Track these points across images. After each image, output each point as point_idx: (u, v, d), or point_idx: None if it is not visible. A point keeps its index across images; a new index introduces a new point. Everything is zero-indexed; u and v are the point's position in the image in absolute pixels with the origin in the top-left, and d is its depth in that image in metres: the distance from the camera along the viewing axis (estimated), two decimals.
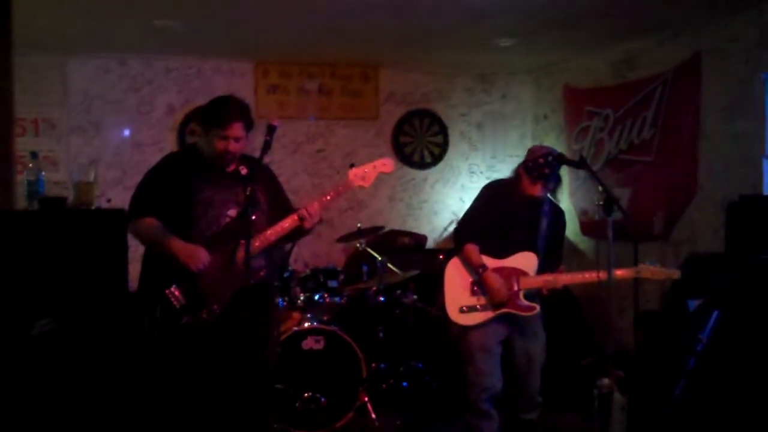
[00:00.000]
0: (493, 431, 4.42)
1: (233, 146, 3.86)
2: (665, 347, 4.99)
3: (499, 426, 4.46)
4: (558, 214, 4.57)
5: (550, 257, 4.44)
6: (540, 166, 4.26)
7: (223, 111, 3.86)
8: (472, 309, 4.35)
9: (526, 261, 4.37)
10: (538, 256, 4.37)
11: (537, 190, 4.33)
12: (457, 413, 4.96)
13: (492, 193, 4.56)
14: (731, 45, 5.63)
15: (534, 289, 4.34)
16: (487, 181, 4.91)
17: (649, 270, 4.23)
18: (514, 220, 4.39)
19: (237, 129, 3.84)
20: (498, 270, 4.34)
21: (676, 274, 4.26)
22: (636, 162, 6.57)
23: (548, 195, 4.45)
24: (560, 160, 4.25)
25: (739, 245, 4.90)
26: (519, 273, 4.35)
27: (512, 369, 4.46)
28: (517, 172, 4.44)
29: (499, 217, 4.41)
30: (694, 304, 4.72)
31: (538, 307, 4.33)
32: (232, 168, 3.97)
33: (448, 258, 4.61)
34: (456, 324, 4.39)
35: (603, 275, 4.22)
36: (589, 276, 4.29)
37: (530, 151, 4.42)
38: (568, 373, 5.90)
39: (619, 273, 4.10)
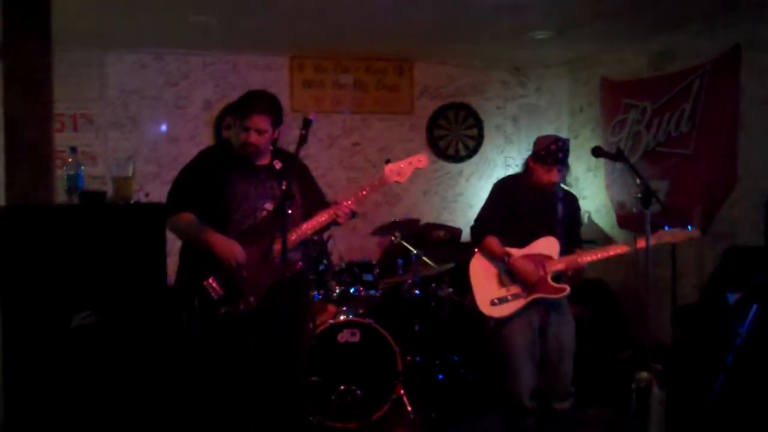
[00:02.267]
0: (532, 425, 4.42)
1: (254, 138, 3.87)
2: (704, 341, 4.95)
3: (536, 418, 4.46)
4: (571, 199, 4.60)
5: (569, 241, 4.45)
6: (553, 153, 4.26)
7: (246, 102, 3.90)
8: (503, 300, 4.34)
9: (548, 245, 4.38)
10: (558, 239, 4.38)
11: (554, 176, 4.33)
12: (492, 406, 4.95)
13: (504, 187, 4.58)
14: None
15: (560, 271, 4.34)
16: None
17: (670, 234, 4.24)
18: (530, 210, 4.40)
19: (258, 121, 3.86)
20: (522, 258, 4.35)
21: (697, 233, 4.27)
22: (674, 155, 6.50)
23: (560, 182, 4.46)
24: (597, 152, 4.22)
25: None
26: (543, 258, 4.35)
27: (544, 358, 4.44)
28: (528, 165, 4.45)
29: (515, 209, 4.42)
30: (733, 297, 4.68)
31: (568, 288, 4.33)
32: (266, 161, 4.00)
33: None
34: (490, 318, 4.39)
35: (623, 248, 4.30)
36: (611, 250, 4.33)
37: (538, 142, 4.41)
38: (605, 366, 5.87)
39: (641, 245, 3.98)
